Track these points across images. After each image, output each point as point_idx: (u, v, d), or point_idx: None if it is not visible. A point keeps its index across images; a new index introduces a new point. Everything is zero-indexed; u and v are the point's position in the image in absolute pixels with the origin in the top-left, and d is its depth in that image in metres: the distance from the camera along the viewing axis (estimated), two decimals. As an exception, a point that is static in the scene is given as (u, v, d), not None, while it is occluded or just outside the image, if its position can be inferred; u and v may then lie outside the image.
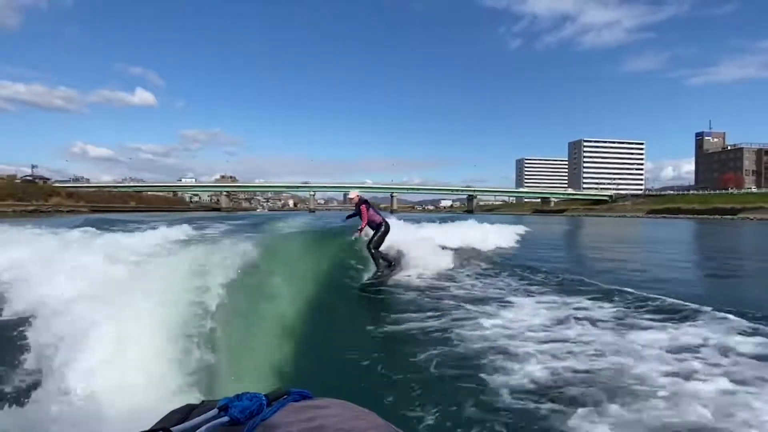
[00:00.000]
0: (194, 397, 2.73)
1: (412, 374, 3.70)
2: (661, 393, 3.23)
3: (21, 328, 4.26)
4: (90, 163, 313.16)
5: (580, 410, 3.02)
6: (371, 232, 7.83)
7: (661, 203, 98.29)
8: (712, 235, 30.07)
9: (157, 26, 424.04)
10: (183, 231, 13.25)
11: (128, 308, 3.39)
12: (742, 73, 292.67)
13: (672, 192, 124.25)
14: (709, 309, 5.51)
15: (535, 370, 3.70)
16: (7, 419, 2.57)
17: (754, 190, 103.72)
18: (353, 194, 8.05)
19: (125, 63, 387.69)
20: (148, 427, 0.71)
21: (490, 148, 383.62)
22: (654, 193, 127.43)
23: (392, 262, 7.88)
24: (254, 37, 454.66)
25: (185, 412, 0.76)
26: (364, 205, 7.67)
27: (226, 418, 0.68)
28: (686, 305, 5.81)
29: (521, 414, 3.04)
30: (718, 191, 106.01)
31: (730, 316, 5.19)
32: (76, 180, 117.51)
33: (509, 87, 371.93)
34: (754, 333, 4.63)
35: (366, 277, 7.45)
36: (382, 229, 7.77)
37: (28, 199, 58.27)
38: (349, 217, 8.46)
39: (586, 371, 3.67)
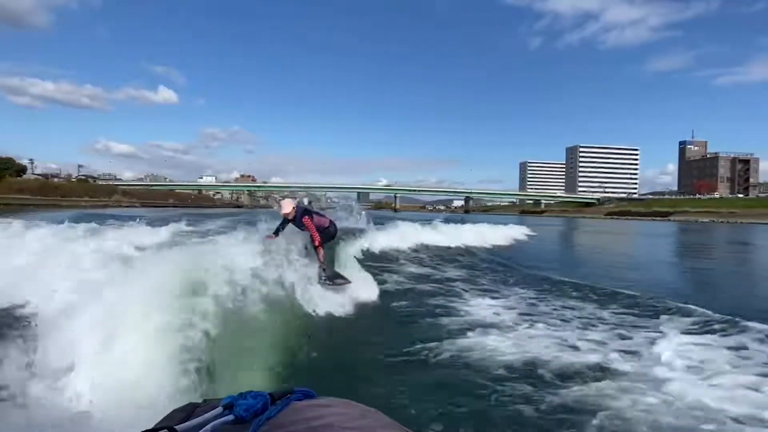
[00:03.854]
0: (195, 396, 2.80)
1: (417, 374, 3.78)
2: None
3: (17, 325, 4.32)
4: (112, 159, 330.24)
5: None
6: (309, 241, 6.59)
7: (643, 207, 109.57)
8: (606, 230, 41.83)
9: (180, 25, 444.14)
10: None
11: (127, 306, 3.38)
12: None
13: (651, 197, 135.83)
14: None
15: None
16: (4, 420, 2.49)
17: (717, 195, 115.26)
18: (288, 207, 6.35)
19: (149, 62, 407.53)
20: (150, 426, 0.71)
21: (506, 148, 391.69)
22: (637, 197, 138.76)
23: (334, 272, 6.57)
24: (274, 35, 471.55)
25: (188, 411, 0.77)
26: (306, 217, 6.35)
27: (231, 417, 0.68)
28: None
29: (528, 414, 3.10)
30: (689, 196, 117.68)
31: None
32: (112, 177, 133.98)
33: (528, 87, 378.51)
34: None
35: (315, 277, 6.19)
36: (331, 230, 6.76)
37: (97, 197, 73.87)
38: (276, 232, 6.56)
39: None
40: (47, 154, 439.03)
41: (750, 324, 5.34)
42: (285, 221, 6.62)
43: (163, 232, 10.25)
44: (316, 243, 6.43)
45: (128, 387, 2.81)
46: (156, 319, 3.36)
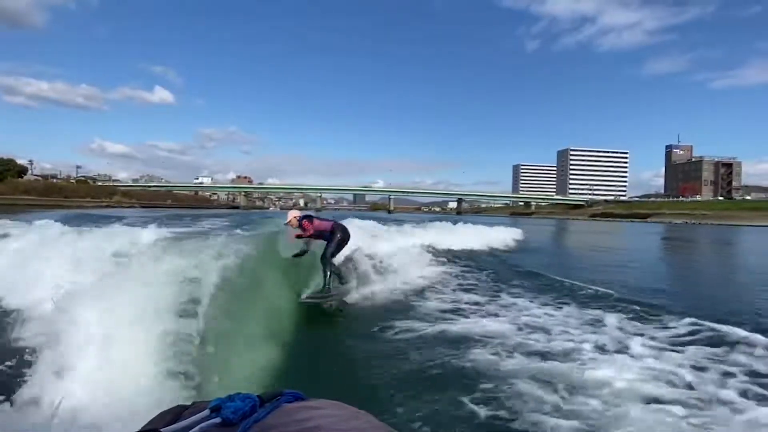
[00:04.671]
0: (184, 398, 2.79)
1: (405, 376, 3.85)
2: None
3: (7, 327, 4.33)
4: (107, 159, 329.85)
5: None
6: (315, 242, 6.89)
7: (625, 209, 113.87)
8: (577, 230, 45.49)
9: (178, 25, 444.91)
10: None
11: (117, 307, 3.39)
12: (767, 77, 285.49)
13: (637, 200, 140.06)
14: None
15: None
16: None
17: (698, 198, 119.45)
18: (291, 216, 6.77)
19: (147, 62, 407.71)
20: (137, 429, 0.71)
21: (503, 150, 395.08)
22: (624, 199, 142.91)
23: (343, 277, 6.94)
24: (271, 36, 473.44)
25: (176, 414, 0.76)
26: (305, 221, 6.60)
27: (218, 419, 0.68)
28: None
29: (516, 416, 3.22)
30: (673, 199, 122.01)
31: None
32: (108, 178, 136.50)
33: (525, 90, 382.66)
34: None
35: (306, 291, 6.47)
36: (338, 236, 6.74)
37: (99, 197, 76.81)
38: (300, 252, 6.88)
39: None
40: (40, 154, 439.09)
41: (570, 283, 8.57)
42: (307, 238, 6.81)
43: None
44: (303, 234, 6.59)
45: (116, 389, 2.80)
46: (146, 319, 3.39)
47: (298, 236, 6.66)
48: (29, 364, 3.14)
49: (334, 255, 6.76)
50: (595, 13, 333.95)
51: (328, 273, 6.63)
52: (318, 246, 6.92)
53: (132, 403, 2.64)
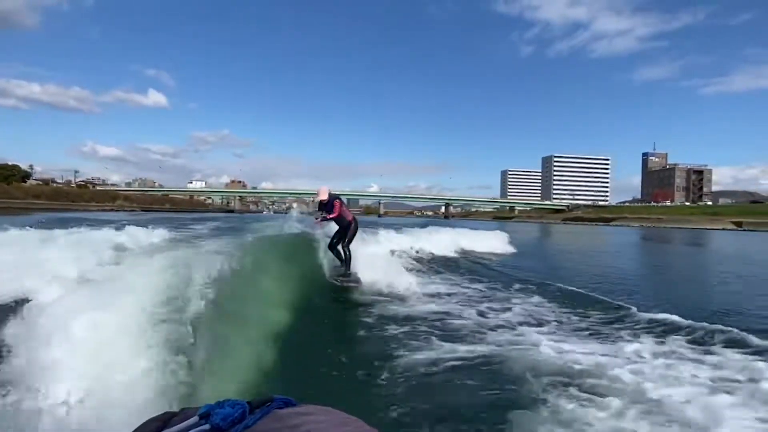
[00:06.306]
0: (173, 405, 2.74)
1: (398, 380, 3.80)
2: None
3: None
4: (99, 162, 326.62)
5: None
6: (334, 228, 7.64)
7: (594, 213, 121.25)
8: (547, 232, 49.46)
9: (172, 28, 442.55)
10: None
11: (105, 311, 3.37)
12: (757, 84, 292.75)
13: (612, 204, 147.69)
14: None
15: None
16: None
17: (668, 204, 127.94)
18: (324, 193, 7.41)
19: (140, 64, 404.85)
20: None
21: (496, 154, 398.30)
22: (602, 204, 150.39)
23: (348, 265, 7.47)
24: (267, 39, 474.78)
25: (164, 420, 0.75)
26: (337, 201, 7.42)
27: (207, 426, 0.67)
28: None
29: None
30: (646, 204, 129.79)
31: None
32: (102, 181, 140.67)
33: (519, 95, 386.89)
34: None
35: (328, 273, 7.17)
36: (353, 226, 7.57)
37: (103, 201, 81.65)
38: (322, 219, 7.56)
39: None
40: (31, 157, 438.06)
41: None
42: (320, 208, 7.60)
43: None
44: (328, 216, 7.41)
45: (101, 395, 2.79)
46: (134, 324, 3.39)
47: (323, 219, 7.48)
48: (13, 369, 3.07)
49: (350, 243, 7.60)
50: (588, 20, 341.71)
51: (347, 255, 7.47)
52: (324, 233, 7.95)
53: (119, 409, 2.64)
